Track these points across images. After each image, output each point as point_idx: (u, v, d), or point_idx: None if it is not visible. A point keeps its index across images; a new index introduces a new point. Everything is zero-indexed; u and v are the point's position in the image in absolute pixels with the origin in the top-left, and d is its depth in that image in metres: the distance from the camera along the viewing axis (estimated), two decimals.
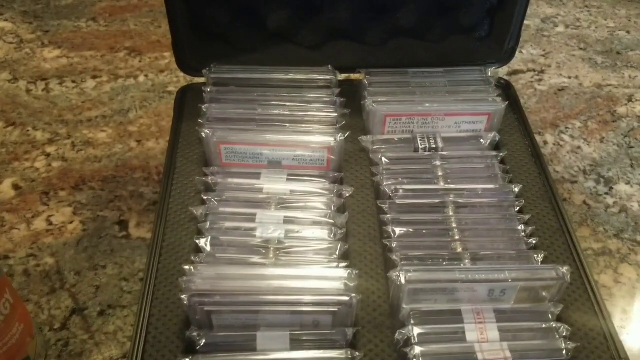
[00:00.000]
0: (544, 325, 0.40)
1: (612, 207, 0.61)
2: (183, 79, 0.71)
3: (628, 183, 0.64)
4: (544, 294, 0.40)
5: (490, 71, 0.54)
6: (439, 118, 0.51)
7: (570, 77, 0.76)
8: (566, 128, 0.69)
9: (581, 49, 0.81)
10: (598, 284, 0.54)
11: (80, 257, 0.54)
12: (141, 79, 0.74)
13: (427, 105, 0.51)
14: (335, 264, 0.42)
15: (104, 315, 0.49)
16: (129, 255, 0.54)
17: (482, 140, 0.51)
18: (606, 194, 0.62)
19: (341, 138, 0.48)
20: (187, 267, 0.39)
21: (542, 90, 0.74)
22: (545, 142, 0.67)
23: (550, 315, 0.40)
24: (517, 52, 0.79)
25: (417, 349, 0.38)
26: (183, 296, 0.37)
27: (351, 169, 0.50)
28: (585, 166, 0.65)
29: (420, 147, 0.50)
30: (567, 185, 0.63)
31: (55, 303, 0.50)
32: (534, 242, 0.45)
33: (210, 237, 0.43)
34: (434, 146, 0.50)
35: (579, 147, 0.67)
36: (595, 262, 0.56)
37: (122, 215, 0.57)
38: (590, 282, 0.43)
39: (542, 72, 0.77)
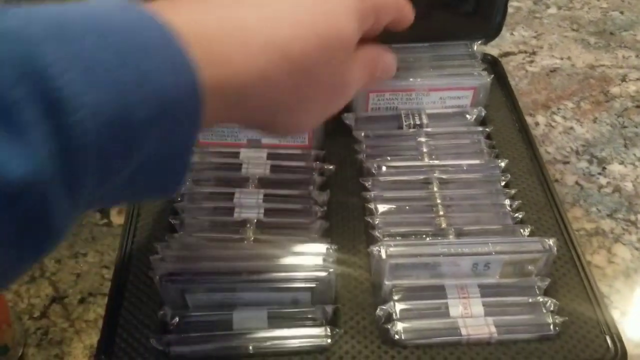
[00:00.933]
0: (530, 300, 0.38)
1: (605, 187, 0.60)
2: None
3: (622, 163, 0.62)
4: (530, 267, 0.39)
5: (475, 45, 0.53)
6: (423, 93, 0.50)
7: (562, 58, 0.75)
8: (558, 109, 0.68)
9: (574, 29, 0.79)
10: (591, 264, 0.53)
11: (60, 245, 0.52)
12: None
13: (411, 80, 0.49)
14: (316, 241, 0.41)
15: (85, 303, 0.48)
16: (110, 243, 0.53)
17: (467, 116, 0.50)
18: (599, 174, 0.61)
19: None
20: (158, 245, 0.37)
21: (533, 72, 0.73)
22: (537, 124, 0.66)
23: (537, 290, 0.39)
24: (508, 34, 0.79)
25: (399, 325, 0.37)
26: (153, 274, 0.36)
27: (333, 146, 0.49)
28: (578, 147, 0.64)
29: (404, 123, 0.49)
30: (559, 166, 0.62)
31: (35, 291, 0.49)
32: (520, 216, 0.43)
33: (186, 217, 0.42)
34: (418, 122, 0.49)
35: (571, 128, 0.66)
36: (588, 242, 0.55)
37: None
38: (578, 256, 0.42)
39: (534, 53, 0.76)
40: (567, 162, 0.62)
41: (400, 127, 0.49)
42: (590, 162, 0.62)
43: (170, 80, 0.25)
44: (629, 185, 0.60)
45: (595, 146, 0.64)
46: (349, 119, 0.49)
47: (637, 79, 0.72)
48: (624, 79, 0.72)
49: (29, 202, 0.21)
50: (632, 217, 0.57)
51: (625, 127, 0.66)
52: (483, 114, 0.50)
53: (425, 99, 0.50)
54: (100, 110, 0.23)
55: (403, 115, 0.49)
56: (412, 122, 0.49)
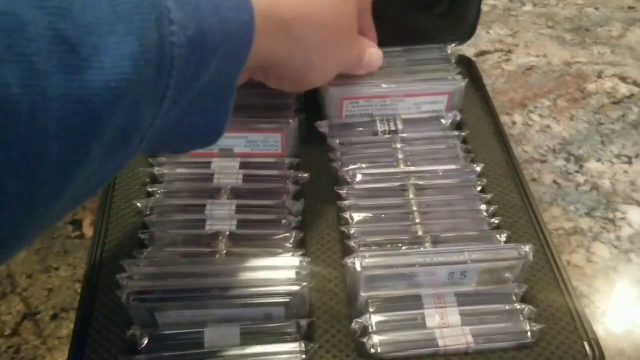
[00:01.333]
0: (507, 307, 0.38)
1: (582, 185, 0.60)
2: None
3: (599, 160, 0.62)
4: (507, 274, 0.38)
5: (449, 49, 0.52)
6: (398, 99, 0.49)
7: (538, 56, 0.75)
8: (535, 107, 0.68)
9: (549, 26, 0.79)
10: (570, 264, 0.53)
11: (32, 259, 0.51)
12: None
13: (385, 86, 0.49)
14: (289, 253, 0.40)
15: (57, 319, 0.47)
16: (82, 256, 0.52)
17: (442, 120, 0.49)
18: (576, 172, 0.61)
19: (295, 122, 0.46)
20: (126, 263, 0.36)
21: (509, 70, 0.73)
22: (514, 122, 0.66)
23: (514, 297, 0.39)
24: (484, 33, 0.78)
25: (375, 338, 0.36)
26: (120, 294, 0.34)
27: (308, 154, 0.48)
28: (555, 145, 0.64)
29: (379, 130, 0.49)
30: (537, 165, 0.62)
31: (6, 308, 0.48)
32: (496, 221, 0.43)
33: (155, 231, 0.41)
34: (393, 128, 0.48)
35: (548, 126, 0.66)
36: (566, 241, 0.55)
37: (76, 214, 0.55)
38: (555, 261, 0.41)
39: (510, 51, 0.75)
40: (545, 161, 0.62)
41: (375, 134, 0.48)
42: (567, 160, 0.62)
43: (233, 14, 0.29)
44: (606, 183, 0.60)
45: (572, 144, 0.64)
46: (323, 126, 0.49)
47: (613, 75, 0.72)
48: (599, 75, 0.72)
49: (128, 104, 0.23)
50: (610, 215, 0.57)
51: (601, 124, 0.66)
52: (458, 118, 0.50)
53: (399, 104, 0.49)
54: (186, 28, 0.26)
55: (378, 122, 0.49)
56: (387, 128, 0.48)
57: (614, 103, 0.69)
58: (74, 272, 0.50)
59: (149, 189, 0.44)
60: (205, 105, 0.31)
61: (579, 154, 0.63)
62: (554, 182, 0.60)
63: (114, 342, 0.37)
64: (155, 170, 0.45)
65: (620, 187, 0.60)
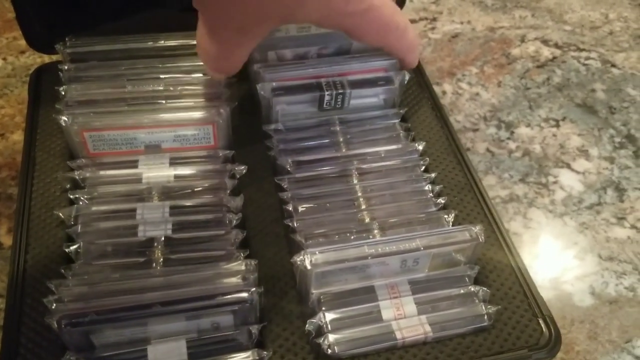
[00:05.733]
0: (462, 291, 0.37)
1: (515, 151, 0.60)
2: (48, 59, 0.62)
3: (528, 125, 0.63)
4: (458, 257, 0.37)
5: None
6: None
7: (462, 23, 0.74)
8: (463, 75, 0.68)
9: None
10: (509, 232, 0.53)
11: None
12: None
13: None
14: (233, 255, 0.37)
15: None
16: (1, 268, 0.47)
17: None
18: (508, 138, 0.61)
19: (228, 111, 0.43)
20: (52, 285, 0.33)
21: (436, 39, 0.72)
22: (444, 92, 0.65)
23: (467, 279, 0.38)
24: (408, 1, 0.77)
25: (331, 337, 0.34)
26: (50, 319, 0.31)
27: (243, 144, 0.45)
28: (485, 112, 0.64)
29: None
30: (470, 134, 0.61)
31: None
32: (442, 201, 0.42)
33: (82, 243, 0.37)
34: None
35: (477, 94, 0.66)
36: (504, 209, 0.55)
37: None
38: (504, 238, 0.41)
39: (435, 19, 0.74)
40: (477, 130, 0.62)
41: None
42: (498, 127, 0.62)
43: None
44: (537, 148, 0.61)
45: (502, 110, 0.64)
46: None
47: (535, 39, 0.73)
48: (522, 39, 0.73)
49: None
50: (543, 180, 0.58)
51: (528, 88, 0.67)
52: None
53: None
54: None
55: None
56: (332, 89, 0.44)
57: (538, 67, 0.69)
58: None
59: (71, 196, 0.40)
60: None
61: (509, 120, 0.63)
62: (487, 150, 0.60)
63: None
64: (76, 174, 0.41)
65: (550, 151, 0.60)
